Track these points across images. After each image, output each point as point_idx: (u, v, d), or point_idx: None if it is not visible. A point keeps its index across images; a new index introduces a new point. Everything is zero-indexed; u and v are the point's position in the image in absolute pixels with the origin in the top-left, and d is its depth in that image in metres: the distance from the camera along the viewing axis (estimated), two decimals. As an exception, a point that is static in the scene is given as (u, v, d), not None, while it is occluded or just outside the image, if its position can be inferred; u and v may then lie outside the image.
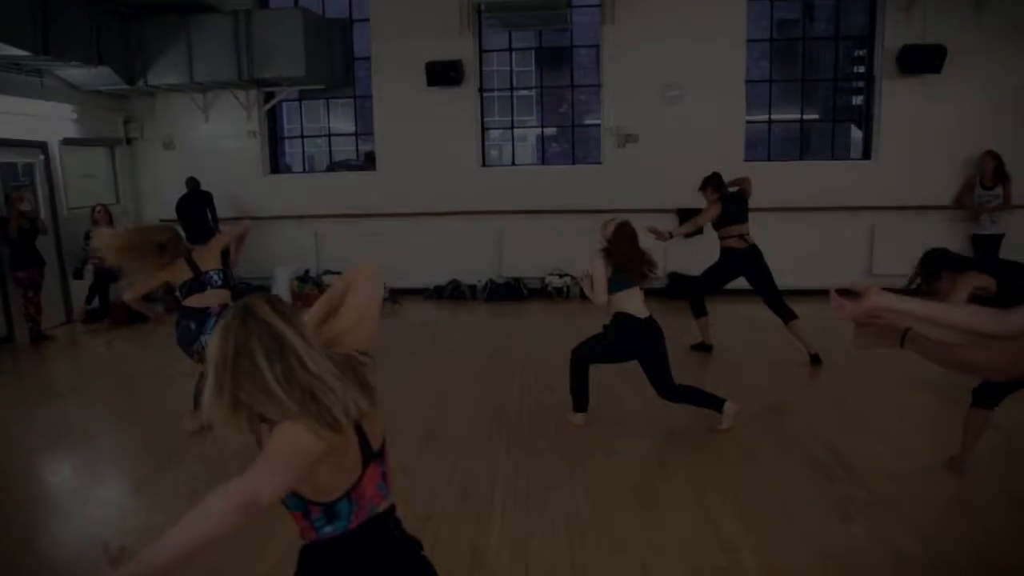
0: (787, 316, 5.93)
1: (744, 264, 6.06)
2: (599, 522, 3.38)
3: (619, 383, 5.40)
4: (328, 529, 1.62)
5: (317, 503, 1.58)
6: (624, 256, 4.36)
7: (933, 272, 3.68)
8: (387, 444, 1.71)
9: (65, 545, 3.33)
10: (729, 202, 6.07)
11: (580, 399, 4.60)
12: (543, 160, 10.26)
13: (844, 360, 5.87)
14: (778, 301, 5.99)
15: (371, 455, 1.62)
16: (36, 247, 7.18)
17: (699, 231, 6.57)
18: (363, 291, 1.78)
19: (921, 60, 8.20)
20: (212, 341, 1.51)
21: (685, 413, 4.80)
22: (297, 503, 1.59)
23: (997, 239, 8.18)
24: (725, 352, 6.28)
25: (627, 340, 4.42)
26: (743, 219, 6.09)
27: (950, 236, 8.51)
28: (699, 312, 6.37)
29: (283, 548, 2.79)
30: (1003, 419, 3.80)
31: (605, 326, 4.56)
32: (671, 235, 6.09)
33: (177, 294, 4.42)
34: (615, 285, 4.40)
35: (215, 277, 4.39)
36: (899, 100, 8.52)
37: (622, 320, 4.42)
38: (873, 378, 5.50)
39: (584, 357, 4.58)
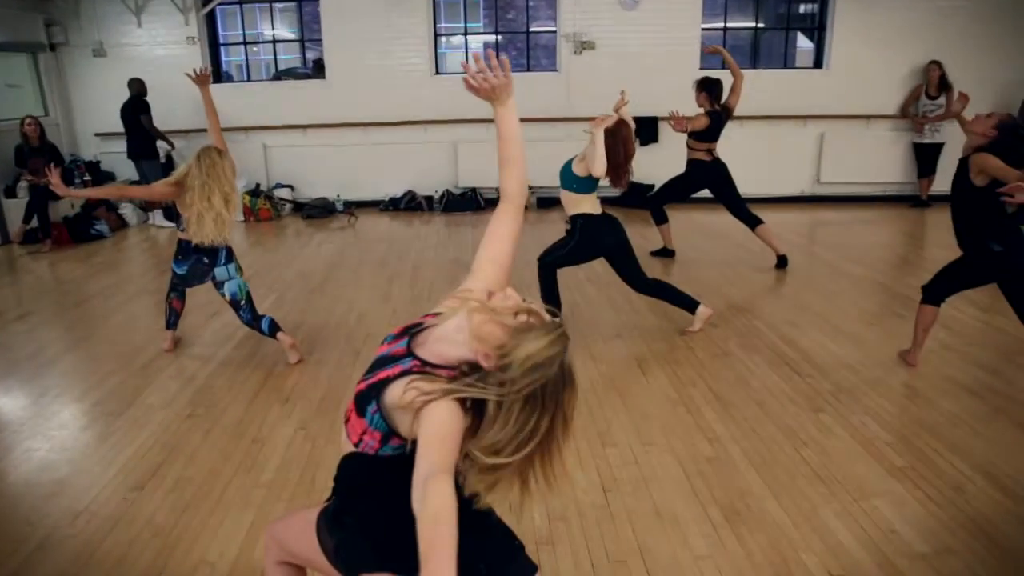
0: (753, 223, 6.10)
1: (710, 176, 6.14)
2: (588, 421, 3.52)
3: (589, 292, 5.53)
4: (387, 451, 1.61)
5: (402, 438, 1.55)
6: (610, 156, 4.26)
7: None
8: None
9: (56, 468, 3.29)
10: (716, 119, 6.06)
11: (553, 306, 4.67)
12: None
13: (797, 265, 6.13)
14: (743, 210, 6.14)
15: None
16: (-33, 163, 6.76)
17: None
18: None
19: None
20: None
21: (655, 318, 4.97)
22: (383, 425, 1.56)
23: (937, 148, 8.48)
24: (686, 258, 6.45)
25: (589, 237, 4.45)
26: (716, 137, 6.13)
27: (894, 145, 8.82)
28: (660, 219, 6.49)
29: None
30: (945, 316, 4.04)
31: (568, 231, 4.58)
32: (686, 129, 6.01)
33: (181, 228, 4.24)
34: (582, 185, 4.39)
35: None
36: (851, 9, 8.57)
37: (581, 219, 4.46)
38: (825, 282, 5.77)
39: (551, 263, 4.63)
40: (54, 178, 3.85)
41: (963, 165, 3.62)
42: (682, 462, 3.14)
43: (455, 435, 1.41)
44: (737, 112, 8.48)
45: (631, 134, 4.41)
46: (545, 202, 9.09)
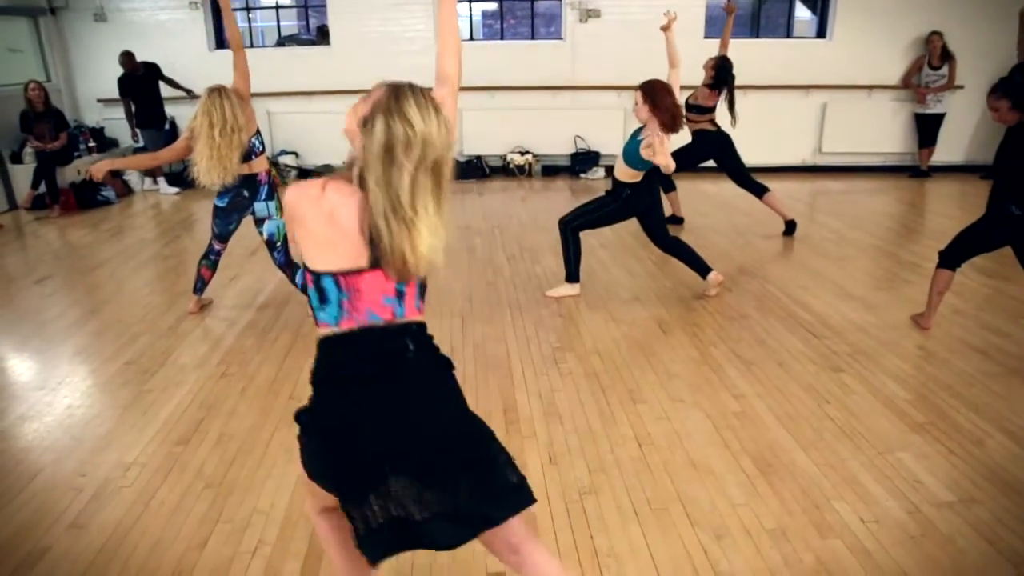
0: (760, 191, 6.18)
1: (715, 146, 6.20)
2: (616, 379, 3.62)
3: (603, 256, 5.62)
4: (321, 317, 1.58)
5: (306, 269, 1.58)
6: (670, 110, 4.18)
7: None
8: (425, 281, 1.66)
9: (100, 424, 3.37)
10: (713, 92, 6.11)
11: (574, 269, 4.74)
12: (501, 35, 9.99)
13: (803, 233, 6.24)
14: (748, 179, 6.22)
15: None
16: (-25, 128, 6.72)
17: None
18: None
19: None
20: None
21: (670, 282, 5.06)
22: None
23: (939, 118, 8.57)
24: (695, 226, 6.53)
25: (633, 205, 4.52)
26: (714, 109, 6.19)
27: (895, 115, 8.90)
28: (667, 187, 6.55)
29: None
30: (954, 282, 4.15)
31: (609, 193, 4.63)
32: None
33: None
34: (644, 165, 4.35)
35: (257, 144, 4.26)
36: (856, -23, 8.60)
37: (629, 190, 4.48)
38: (832, 248, 5.87)
39: (579, 225, 4.68)
40: (97, 173, 3.95)
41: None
42: (711, 417, 3.25)
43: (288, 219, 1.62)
44: (739, 81, 8.55)
45: (666, 87, 4.35)
46: (550, 170, 9.14)
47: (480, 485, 1.62)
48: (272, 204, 4.32)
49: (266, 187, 4.30)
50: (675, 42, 4.80)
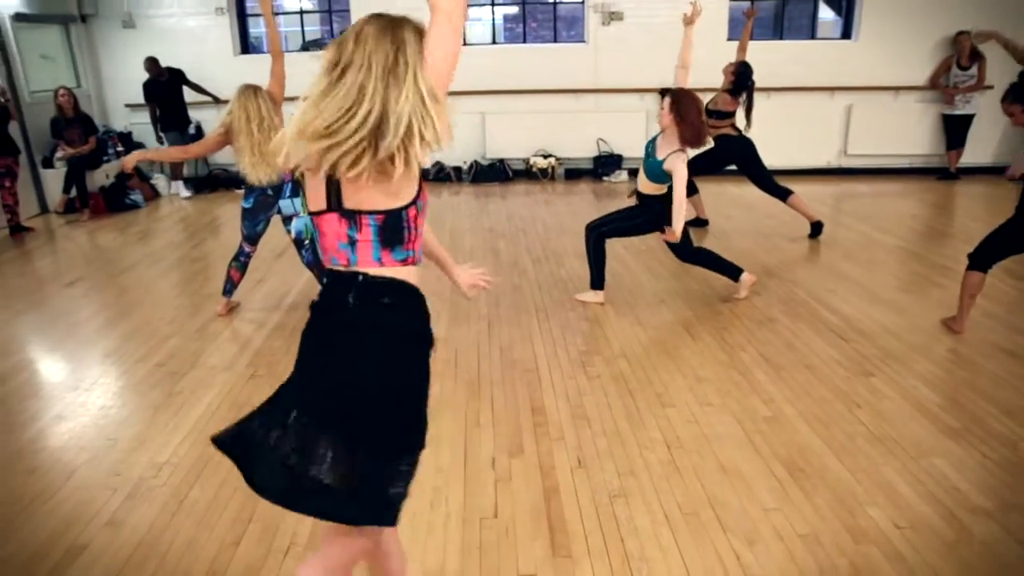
0: (783, 195, 6.14)
1: (738, 151, 6.16)
2: (644, 383, 3.61)
3: (627, 259, 5.60)
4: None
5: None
6: (696, 127, 4.17)
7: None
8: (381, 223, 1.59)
9: (132, 424, 3.41)
10: (733, 97, 6.08)
11: (599, 276, 4.72)
12: (524, 39, 10.01)
13: (830, 235, 6.19)
14: (771, 184, 6.18)
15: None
16: (9, 134, 6.84)
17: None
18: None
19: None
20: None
21: (696, 284, 5.04)
22: None
23: (968, 119, 8.46)
24: (719, 229, 6.50)
25: (663, 218, 4.44)
26: (734, 114, 6.17)
27: (923, 116, 8.80)
28: (690, 191, 6.51)
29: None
30: (984, 285, 4.10)
31: (638, 206, 4.59)
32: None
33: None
34: (667, 178, 4.32)
35: None
36: (882, -23, 8.53)
37: (658, 204, 4.43)
38: (860, 251, 5.82)
39: (603, 232, 4.65)
40: (129, 163, 4.12)
41: None
42: (740, 421, 3.23)
43: None
44: (763, 84, 8.51)
45: (696, 101, 4.34)
46: (572, 173, 9.14)
47: (360, 479, 1.58)
48: (298, 201, 4.36)
49: (291, 185, 4.35)
50: (692, 40, 4.70)
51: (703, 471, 2.86)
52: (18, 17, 7.73)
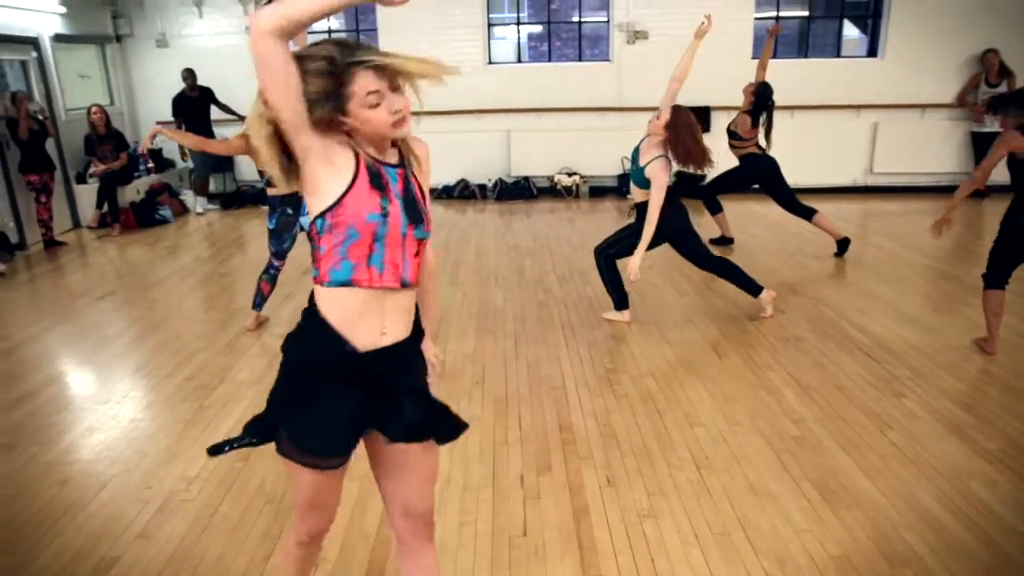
0: (808, 214, 6.10)
1: (763, 170, 6.13)
2: (672, 401, 3.59)
3: (652, 278, 5.59)
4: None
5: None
6: (687, 148, 4.26)
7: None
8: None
9: (162, 438, 3.45)
10: (753, 117, 6.08)
11: (619, 296, 4.67)
12: (548, 58, 10.08)
13: (857, 254, 6.13)
14: (795, 203, 6.14)
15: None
16: (46, 150, 7.00)
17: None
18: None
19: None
20: None
21: (722, 302, 5.02)
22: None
23: (997, 137, 8.35)
24: (745, 247, 6.46)
25: (660, 230, 4.38)
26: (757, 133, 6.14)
27: (951, 134, 8.73)
28: (714, 210, 6.50)
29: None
30: (1014, 305, 4.05)
31: (636, 217, 4.55)
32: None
33: (265, 182, 4.63)
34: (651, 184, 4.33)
35: None
36: (909, -4, 8.50)
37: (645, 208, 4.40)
38: (887, 270, 5.76)
39: (612, 254, 4.59)
40: (148, 139, 4.41)
41: None
42: (770, 441, 3.20)
43: None
44: (788, 101, 8.50)
45: (692, 119, 4.35)
46: (597, 191, 9.15)
47: None
48: None
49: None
50: (695, 54, 4.60)
51: (733, 491, 2.83)
52: (58, 38, 7.93)
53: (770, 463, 3.03)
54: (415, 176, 1.67)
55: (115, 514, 2.80)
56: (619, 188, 9.07)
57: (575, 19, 9.69)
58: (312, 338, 1.63)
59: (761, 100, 5.99)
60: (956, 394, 3.61)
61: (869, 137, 8.92)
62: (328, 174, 1.53)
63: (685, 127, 4.27)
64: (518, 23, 9.52)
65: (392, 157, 1.65)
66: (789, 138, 8.48)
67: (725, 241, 6.52)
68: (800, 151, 8.72)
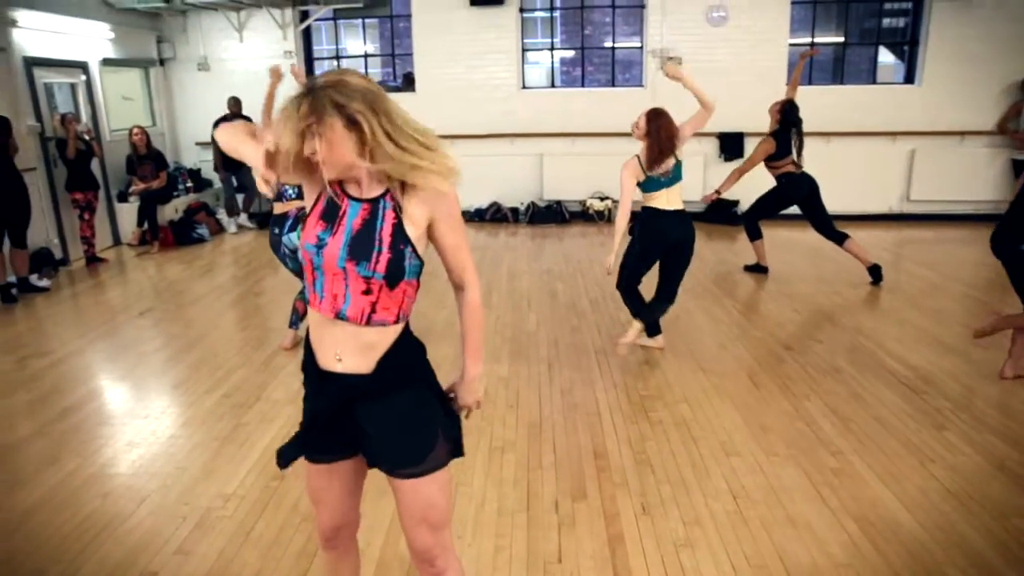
0: (840, 239, 6.05)
1: (802, 189, 6.11)
2: (707, 430, 3.56)
3: (686, 303, 5.56)
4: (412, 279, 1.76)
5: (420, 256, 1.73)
6: (658, 146, 4.22)
7: None
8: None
9: (199, 455, 3.49)
10: (780, 136, 6.07)
11: (651, 323, 4.59)
12: (582, 83, 10.15)
13: (894, 282, 6.05)
14: (829, 227, 6.10)
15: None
16: (91, 170, 7.20)
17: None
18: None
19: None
20: None
21: (756, 331, 4.98)
22: (416, 260, 1.70)
23: (1039, 164, 8.25)
24: (780, 274, 6.41)
25: (649, 230, 4.34)
26: (790, 151, 6.08)
27: (991, 162, 8.61)
28: (754, 235, 6.46)
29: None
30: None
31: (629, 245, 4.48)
32: (718, 193, 6.15)
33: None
34: (646, 185, 4.34)
35: (290, 191, 4.48)
36: (946, 25, 8.43)
37: (644, 212, 4.37)
38: (926, 299, 5.67)
39: (629, 284, 4.50)
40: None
41: None
42: (808, 473, 3.15)
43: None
44: (823, 128, 8.47)
45: (671, 127, 4.31)
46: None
47: None
48: (294, 235, 4.46)
49: (291, 220, 4.46)
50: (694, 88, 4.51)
51: (771, 523, 2.79)
52: (105, 62, 8.17)
53: (808, 495, 2.99)
54: (397, 215, 1.63)
55: (154, 529, 2.84)
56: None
57: (608, 45, 9.77)
58: (305, 344, 1.81)
59: (787, 118, 5.97)
60: (1000, 428, 3.53)
61: (906, 164, 8.84)
62: (309, 202, 1.71)
63: (660, 128, 4.28)
64: (552, 48, 9.62)
65: (372, 191, 1.65)
66: (824, 165, 8.41)
67: (760, 269, 6.47)
68: (835, 178, 8.64)
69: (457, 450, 1.85)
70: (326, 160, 1.53)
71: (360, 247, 1.62)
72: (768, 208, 6.36)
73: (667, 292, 4.42)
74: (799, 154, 6.03)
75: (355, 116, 1.50)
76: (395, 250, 1.63)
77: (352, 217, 1.63)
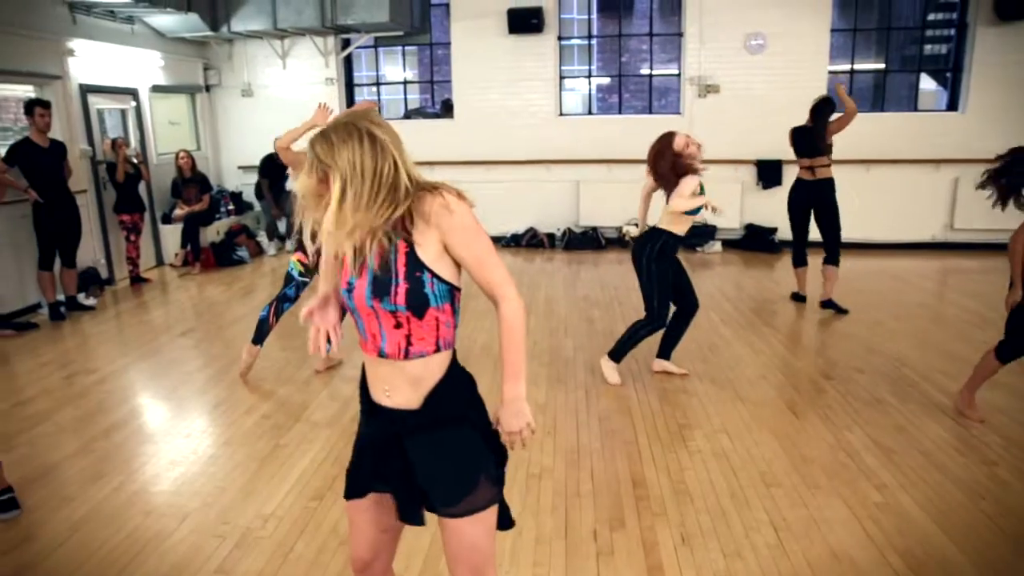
0: (831, 260, 6.03)
1: (805, 195, 6.05)
2: (747, 460, 3.51)
3: (725, 333, 5.51)
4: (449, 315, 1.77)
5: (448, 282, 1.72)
6: (664, 176, 4.51)
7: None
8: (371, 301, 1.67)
9: (239, 475, 3.53)
10: (799, 134, 6.06)
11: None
12: (619, 109, 10.20)
13: (938, 313, 5.92)
14: (833, 243, 6.02)
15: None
16: (139, 192, 7.41)
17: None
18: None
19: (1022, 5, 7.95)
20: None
21: (797, 360, 4.91)
22: (442, 287, 1.69)
23: (1087, 194, 8.04)
24: (818, 303, 6.30)
25: (663, 255, 4.37)
26: (809, 153, 6.02)
27: (1037, 190, 8.40)
28: (798, 262, 6.35)
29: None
30: None
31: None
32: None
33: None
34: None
35: None
36: (990, 51, 8.33)
37: (673, 238, 4.42)
38: (972, 331, 5.54)
39: (663, 315, 4.43)
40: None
41: None
42: (851, 506, 3.09)
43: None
44: (864, 155, 8.37)
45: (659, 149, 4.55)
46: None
47: None
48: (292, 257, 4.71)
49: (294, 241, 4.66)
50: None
51: (813, 557, 2.74)
52: (155, 88, 8.43)
53: (851, 529, 2.92)
54: (408, 243, 1.62)
55: (195, 547, 2.87)
56: (688, 240, 9.00)
57: (645, 72, 9.81)
58: (361, 375, 1.86)
59: (822, 106, 5.96)
60: (1052, 465, 3.43)
61: (949, 192, 8.69)
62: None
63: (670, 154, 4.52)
64: (589, 75, 9.69)
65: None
66: (866, 193, 8.37)
67: (799, 298, 6.39)
68: (877, 206, 8.59)
69: (505, 520, 1.87)
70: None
71: (380, 283, 1.63)
72: (798, 226, 6.22)
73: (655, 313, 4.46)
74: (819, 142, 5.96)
75: (329, 174, 1.59)
76: (411, 279, 1.62)
77: (372, 255, 1.64)
